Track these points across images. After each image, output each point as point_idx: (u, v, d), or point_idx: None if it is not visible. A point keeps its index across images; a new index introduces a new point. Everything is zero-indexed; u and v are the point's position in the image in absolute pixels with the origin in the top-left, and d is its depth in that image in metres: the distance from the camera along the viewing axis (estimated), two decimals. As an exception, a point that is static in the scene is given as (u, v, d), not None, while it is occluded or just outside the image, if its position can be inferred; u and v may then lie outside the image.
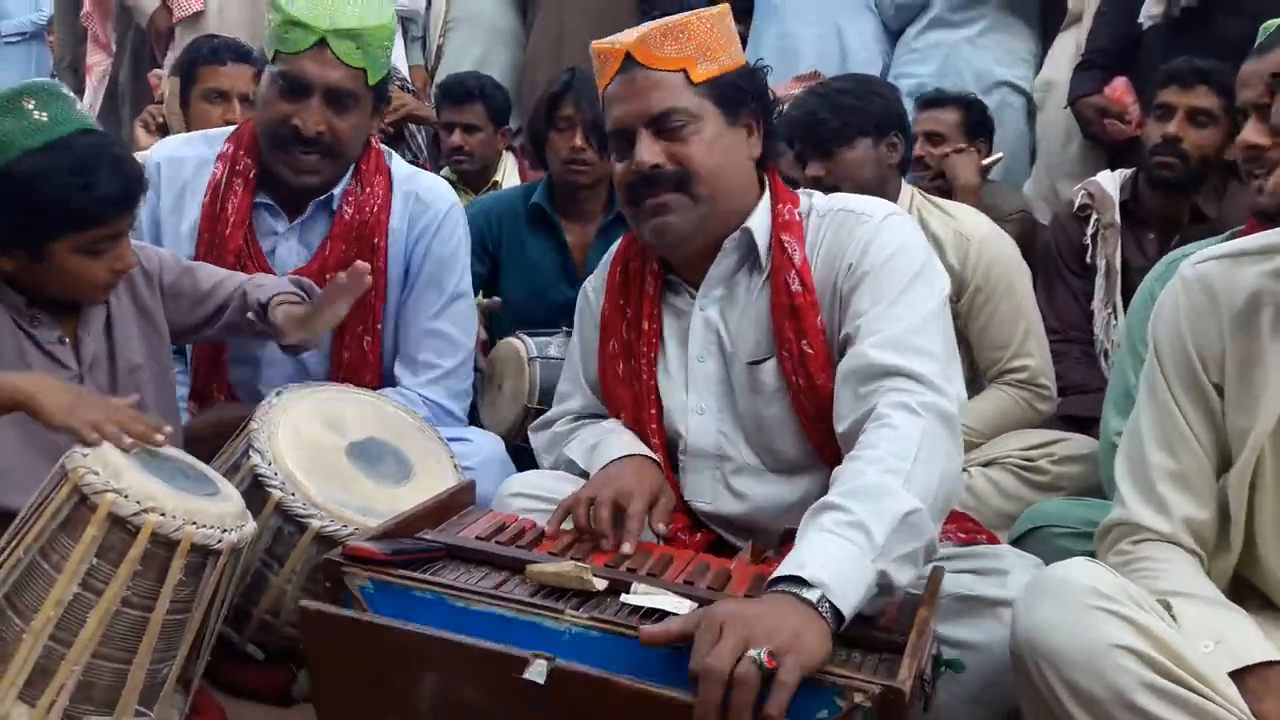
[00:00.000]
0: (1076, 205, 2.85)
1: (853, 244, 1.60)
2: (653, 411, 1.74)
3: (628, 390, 1.76)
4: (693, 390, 1.72)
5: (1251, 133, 1.94)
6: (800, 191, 1.75)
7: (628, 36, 1.61)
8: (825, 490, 1.36)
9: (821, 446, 1.63)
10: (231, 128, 2.23)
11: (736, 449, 1.70)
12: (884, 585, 1.26)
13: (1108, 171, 2.88)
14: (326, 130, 2.01)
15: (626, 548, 1.48)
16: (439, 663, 1.24)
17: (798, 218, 1.67)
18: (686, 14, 1.63)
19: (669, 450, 1.75)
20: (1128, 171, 2.84)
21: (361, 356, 2.17)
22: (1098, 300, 2.79)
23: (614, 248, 1.85)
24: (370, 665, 1.27)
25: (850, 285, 1.59)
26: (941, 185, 3.13)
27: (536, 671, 1.17)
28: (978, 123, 3.22)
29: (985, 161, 3.18)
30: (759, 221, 1.67)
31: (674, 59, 1.59)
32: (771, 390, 1.66)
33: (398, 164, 2.25)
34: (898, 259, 1.57)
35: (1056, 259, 2.90)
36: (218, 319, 1.94)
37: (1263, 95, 1.93)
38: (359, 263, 1.85)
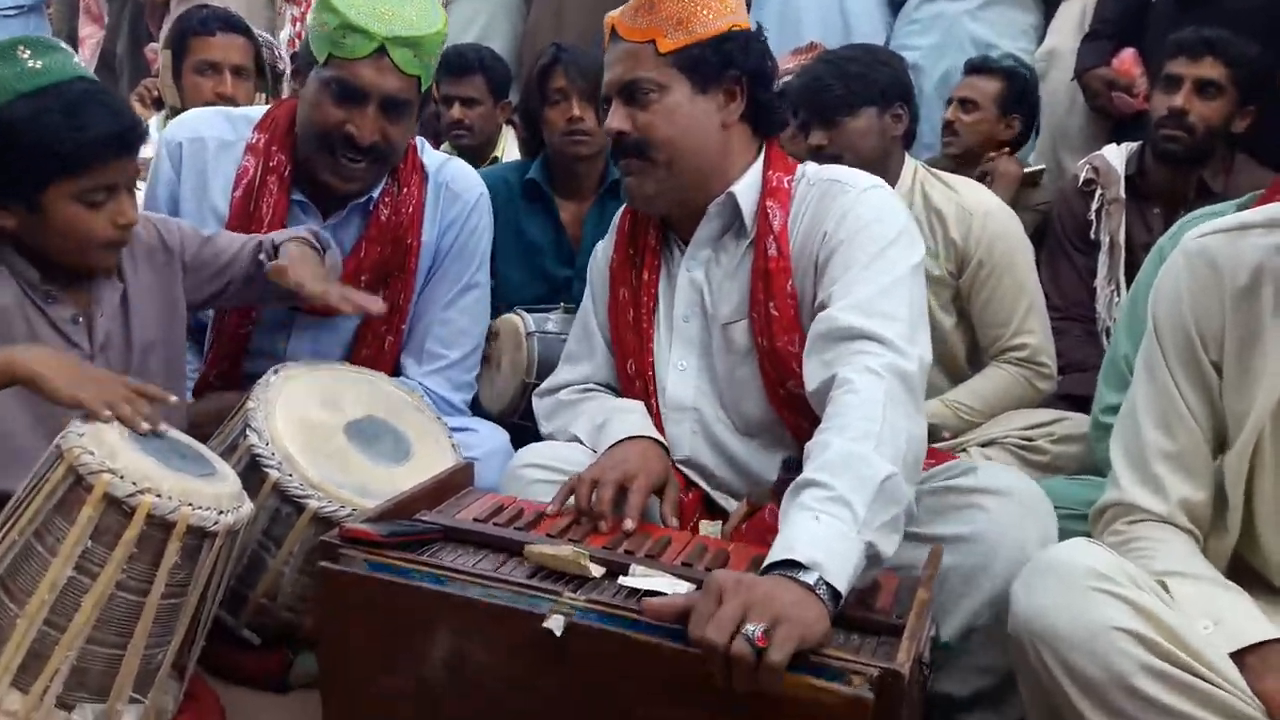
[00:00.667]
0: (1081, 180, 2.82)
1: (833, 212, 1.66)
2: (649, 360, 1.81)
3: (634, 336, 1.82)
4: (675, 347, 1.79)
5: None
6: (801, 164, 1.78)
7: (617, 10, 1.72)
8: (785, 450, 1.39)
9: (781, 408, 1.70)
10: (256, 110, 2.18)
11: (712, 407, 1.77)
12: (871, 556, 1.28)
13: (1113, 145, 2.85)
14: (380, 139, 1.98)
15: (628, 524, 1.50)
16: (454, 621, 1.27)
17: (787, 185, 1.73)
18: None
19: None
20: (1134, 145, 2.81)
21: (380, 354, 2.16)
22: (1101, 277, 2.77)
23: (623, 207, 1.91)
24: (383, 627, 1.30)
25: (826, 253, 1.64)
26: (960, 158, 3.09)
27: (556, 622, 1.21)
28: (1018, 97, 3.14)
29: (1028, 170, 3.15)
30: (745, 186, 1.73)
31: (643, 30, 1.68)
32: (742, 352, 1.73)
33: (429, 155, 2.22)
34: (872, 228, 1.62)
35: (1060, 235, 2.88)
36: (235, 289, 1.93)
37: None
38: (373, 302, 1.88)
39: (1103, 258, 2.76)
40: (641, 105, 1.69)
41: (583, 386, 1.91)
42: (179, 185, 2.10)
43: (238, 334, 2.10)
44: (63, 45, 1.71)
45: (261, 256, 1.89)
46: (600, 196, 2.73)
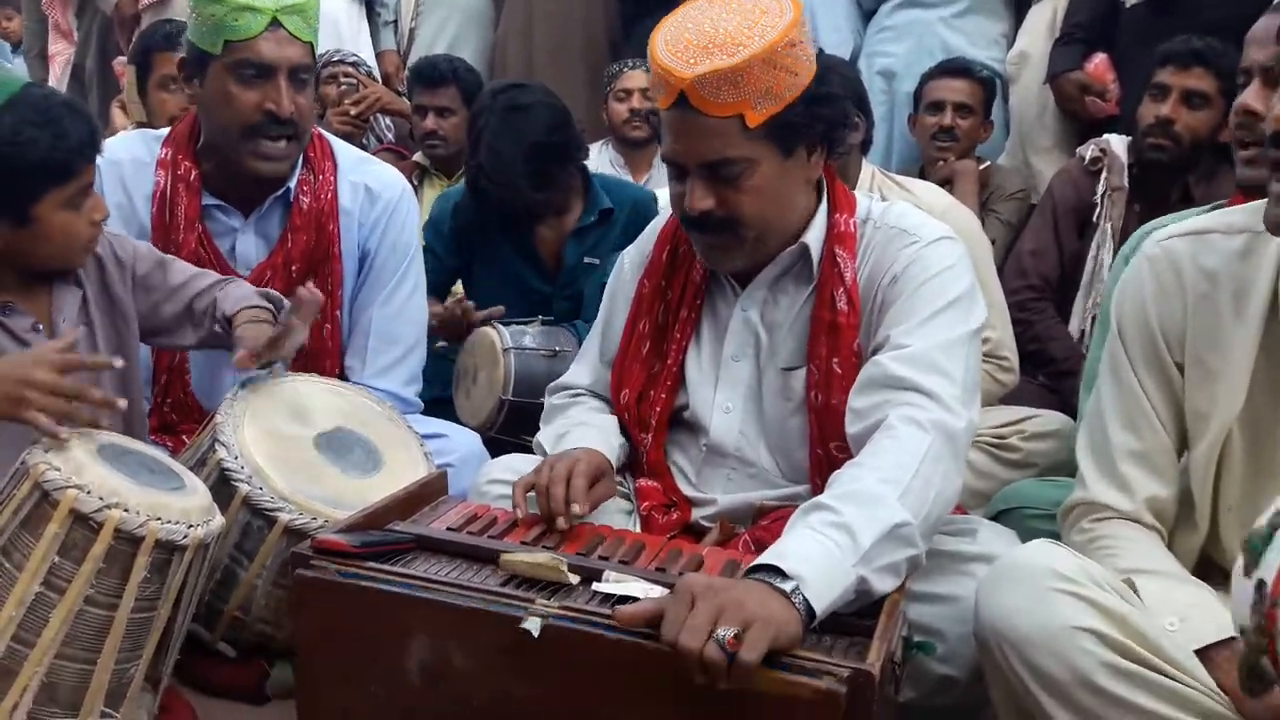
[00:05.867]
0: (1088, 159, 2.78)
1: (897, 262, 1.60)
2: (663, 395, 1.74)
3: (643, 371, 1.76)
4: (721, 388, 1.72)
5: (1251, 97, 1.76)
6: (860, 194, 1.72)
7: (684, 69, 1.51)
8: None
9: (816, 468, 1.63)
10: (166, 130, 2.20)
11: (757, 452, 1.71)
12: (862, 591, 1.27)
13: (1115, 136, 2.82)
14: (295, 110, 2.01)
15: (576, 509, 1.50)
16: (430, 625, 1.27)
17: (853, 228, 1.66)
18: (747, 54, 1.49)
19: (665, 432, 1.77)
20: (1130, 140, 2.78)
21: (322, 344, 2.17)
22: (1104, 265, 2.72)
23: (659, 224, 1.83)
24: (360, 633, 1.30)
25: (885, 301, 1.59)
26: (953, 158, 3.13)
27: (533, 623, 1.21)
28: (991, 101, 3.23)
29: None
30: (815, 234, 1.66)
31: (730, 105, 1.51)
32: (799, 399, 1.66)
33: (343, 150, 2.24)
34: (936, 282, 1.57)
35: (1053, 212, 2.82)
36: (188, 323, 1.91)
37: (1270, 58, 1.75)
38: (307, 290, 1.83)
39: (1105, 242, 2.72)
40: (730, 184, 1.56)
41: (575, 392, 1.88)
42: None
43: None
44: None
45: (216, 329, 1.88)
46: (584, 226, 2.70)
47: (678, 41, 1.54)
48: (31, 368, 1.52)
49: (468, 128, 2.79)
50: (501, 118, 2.58)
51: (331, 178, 2.16)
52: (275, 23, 1.97)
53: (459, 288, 2.89)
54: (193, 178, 2.09)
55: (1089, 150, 2.80)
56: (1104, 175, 2.75)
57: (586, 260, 2.71)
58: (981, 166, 3.19)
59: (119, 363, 1.62)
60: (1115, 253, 2.64)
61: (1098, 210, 2.74)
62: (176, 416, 2.12)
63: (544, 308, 2.67)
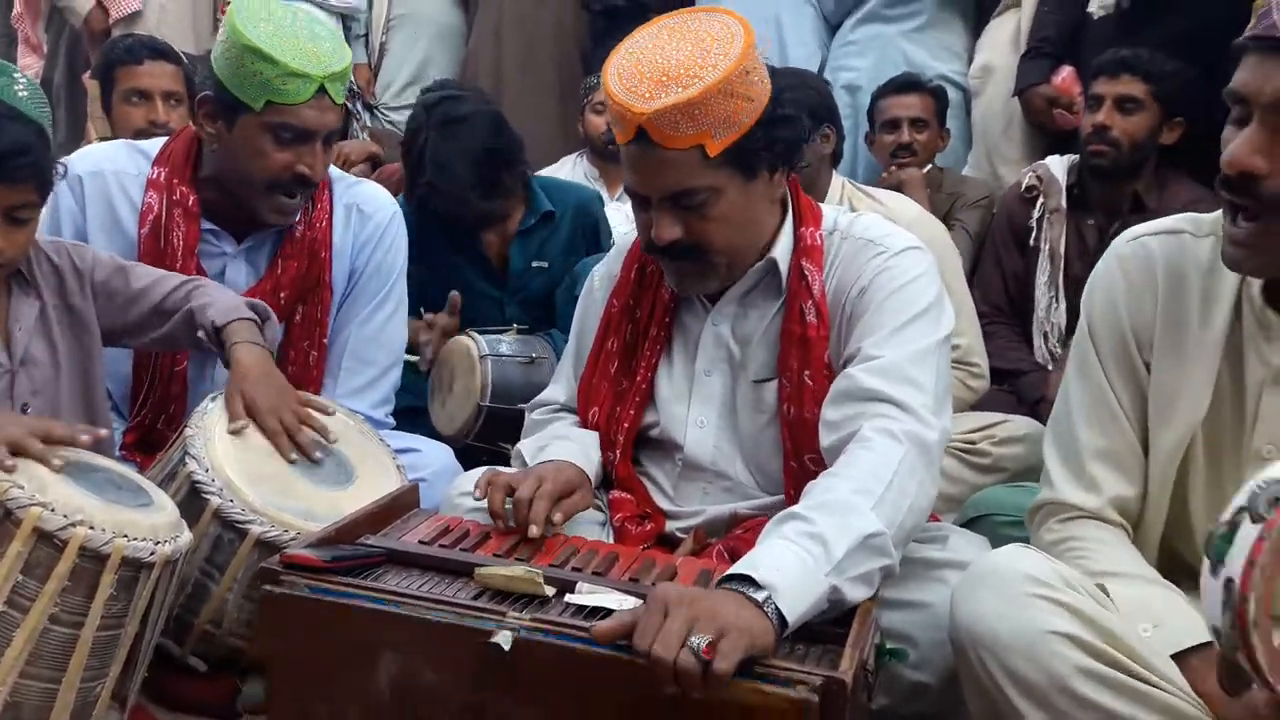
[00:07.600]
0: (1024, 185, 2.88)
1: (865, 273, 1.61)
2: (631, 412, 1.74)
3: (611, 389, 1.76)
4: (695, 403, 1.73)
5: None
6: (825, 207, 1.73)
7: (640, 104, 1.51)
8: None
9: (790, 480, 1.64)
10: (155, 141, 2.17)
11: (732, 466, 1.71)
12: (835, 601, 1.27)
13: (1056, 157, 2.91)
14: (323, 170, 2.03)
15: (533, 530, 1.49)
16: (400, 641, 1.27)
17: (819, 241, 1.67)
18: (703, 86, 1.49)
19: (635, 448, 1.77)
20: (1074, 157, 2.87)
21: (306, 370, 2.16)
22: (1041, 283, 2.81)
23: (626, 243, 1.83)
24: (330, 651, 1.29)
25: (856, 314, 1.60)
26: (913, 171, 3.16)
27: (503, 637, 1.21)
28: (945, 111, 3.28)
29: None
30: (782, 248, 1.67)
31: (689, 137, 1.51)
32: (772, 411, 1.67)
33: (336, 172, 2.23)
34: (904, 292, 1.58)
35: (995, 239, 2.94)
36: (156, 324, 1.88)
37: None
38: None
39: (1043, 263, 2.81)
40: (694, 212, 1.56)
41: (554, 408, 1.89)
42: (84, 219, 2.08)
43: (174, 372, 2.09)
44: (9, 70, 1.67)
45: (200, 335, 1.85)
46: (528, 227, 2.70)
47: (631, 75, 1.54)
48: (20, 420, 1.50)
49: (404, 148, 2.76)
50: (440, 132, 2.57)
51: (327, 205, 2.16)
52: (322, 89, 1.95)
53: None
54: (191, 203, 2.06)
55: (1026, 178, 2.89)
56: (1040, 200, 2.83)
57: (535, 264, 2.71)
58: (925, 170, 3.20)
59: (103, 433, 1.60)
60: (1060, 274, 2.78)
61: (1034, 234, 2.82)
62: (156, 439, 2.08)
63: (497, 311, 2.67)
